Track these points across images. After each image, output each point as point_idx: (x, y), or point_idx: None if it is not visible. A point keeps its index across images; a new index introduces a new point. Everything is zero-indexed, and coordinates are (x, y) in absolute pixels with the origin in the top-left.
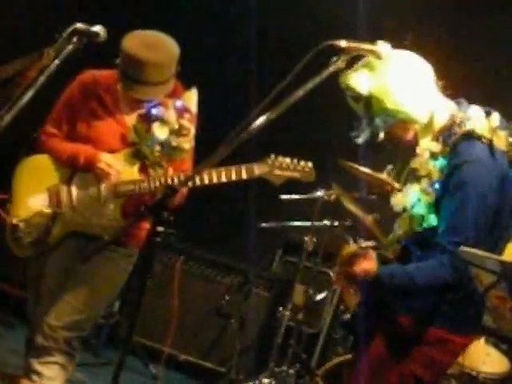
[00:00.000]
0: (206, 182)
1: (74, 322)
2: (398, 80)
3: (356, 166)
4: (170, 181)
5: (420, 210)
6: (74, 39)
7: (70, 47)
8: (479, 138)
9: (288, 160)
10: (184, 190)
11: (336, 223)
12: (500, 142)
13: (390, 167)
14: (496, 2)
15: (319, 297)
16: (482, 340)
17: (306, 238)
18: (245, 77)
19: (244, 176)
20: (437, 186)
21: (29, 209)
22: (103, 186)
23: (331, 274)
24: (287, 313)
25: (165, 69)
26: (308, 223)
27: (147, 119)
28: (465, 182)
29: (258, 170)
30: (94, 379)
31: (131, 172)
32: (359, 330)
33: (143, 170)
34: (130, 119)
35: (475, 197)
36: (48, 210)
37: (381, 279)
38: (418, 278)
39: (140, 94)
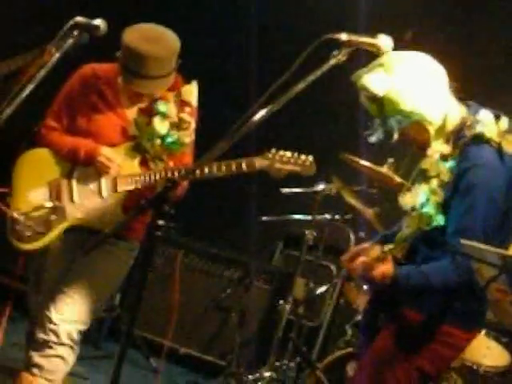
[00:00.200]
0: (207, 174)
1: (74, 315)
2: (414, 82)
3: (357, 159)
4: (170, 174)
5: (429, 209)
6: (75, 33)
7: (71, 41)
8: (488, 141)
9: (289, 154)
10: (184, 184)
11: (337, 216)
12: (509, 145)
13: (390, 161)
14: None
15: (320, 290)
16: (483, 333)
17: (307, 232)
18: (245, 70)
19: (244, 169)
20: (446, 187)
21: (29, 202)
22: (103, 180)
23: (332, 267)
24: (288, 306)
25: (165, 62)
26: (309, 217)
27: (148, 113)
28: (474, 184)
29: (259, 163)
30: (94, 372)
31: (132, 166)
32: (366, 325)
33: (144, 163)
34: (131, 113)
35: (484, 199)
36: (48, 204)
37: (398, 281)
38: (433, 278)
39: (140, 88)
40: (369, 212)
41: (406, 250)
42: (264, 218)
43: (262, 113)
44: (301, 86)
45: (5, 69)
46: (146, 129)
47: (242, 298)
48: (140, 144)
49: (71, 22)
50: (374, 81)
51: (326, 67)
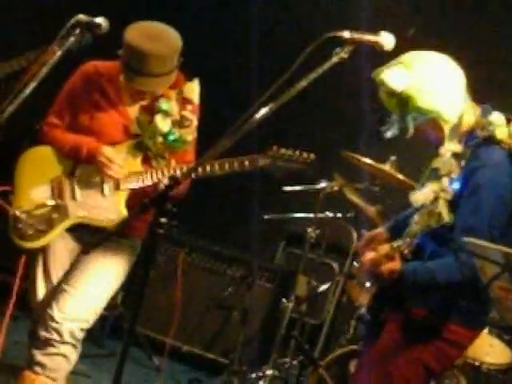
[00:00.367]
0: (209, 172)
1: (76, 313)
2: (433, 80)
3: (359, 157)
4: (172, 172)
5: (438, 207)
6: (77, 31)
7: (73, 39)
8: (499, 142)
9: (290, 151)
10: (187, 182)
11: (339, 214)
12: None
13: (392, 158)
14: None
15: (322, 288)
16: (486, 331)
17: (309, 230)
18: (247, 68)
19: (247, 167)
20: (456, 185)
21: (31, 200)
22: (106, 179)
23: (334, 265)
24: (290, 304)
25: (167, 60)
26: (311, 215)
27: (149, 111)
28: (482, 184)
29: (261, 161)
30: (97, 371)
31: (134, 164)
32: (370, 319)
33: (146, 161)
34: (133, 111)
35: (491, 199)
36: (50, 202)
37: (404, 277)
38: (438, 275)
39: (142, 86)
40: (371, 210)
41: (413, 246)
42: (266, 217)
43: (264, 110)
44: (303, 83)
45: (8, 68)
46: (148, 127)
47: (245, 296)
48: (142, 142)
49: (73, 21)
50: (393, 76)
51: (328, 65)
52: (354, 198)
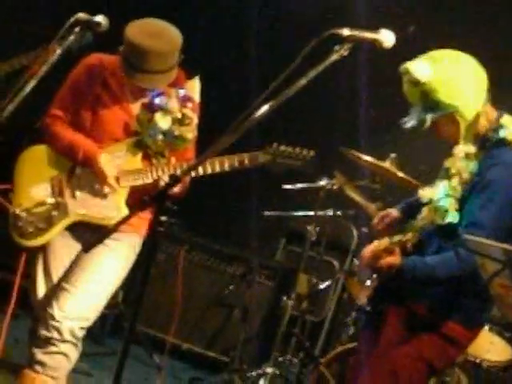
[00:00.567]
0: (209, 170)
1: (76, 312)
2: (457, 76)
3: (359, 154)
4: (172, 170)
5: (445, 203)
6: (76, 30)
7: (72, 38)
8: (510, 144)
9: (290, 148)
10: (187, 180)
11: (339, 212)
12: None
13: (393, 156)
14: None
15: (323, 286)
16: (486, 328)
17: (309, 227)
18: (247, 66)
19: (247, 164)
20: (465, 185)
21: (31, 198)
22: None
23: (334, 262)
24: (291, 302)
25: (168, 57)
26: (311, 212)
27: (150, 108)
28: (492, 181)
29: (261, 158)
30: (98, 369)
31: (134, 161)
32: (371, 311)
33: (146, 159)
34: (135, 108)
35: (500, 197)
36: (50, 200)
37: (403, 272)
38: (438, 270)
39: (142, 83)
40: (371, 207)
41: (416, 240)
42: (267, 214)
43: (264, 108)
44: (303, 81)
45: (9, 67)
46: (148, 125)
47: (245, 294)
48: (142, 140)
49: (72, 19)
50: (419, 66)
51: (328, 62)
52: (355, 196)
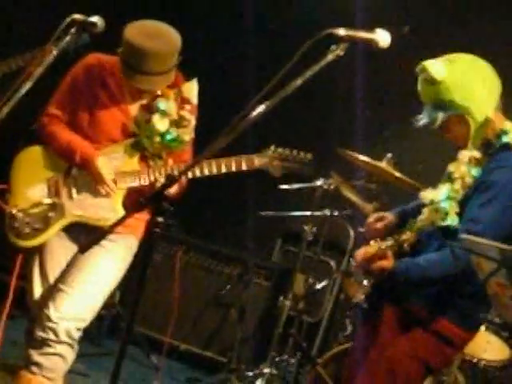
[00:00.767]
0: (206, 172)
1: (73, 312)
2: (472, 79)
3: (355, 154)
4: (169, 171)
5: (446, 205)
6: (72, 30)
7: (68, 38)
8: None
9: (288, 151)
10: (184, 182)
11: (336, 212)
12: None
13: (389, 155)
14: None
15: (319, 286)
16: (483, 327)
17: (306, 228)
18: (245, 67)
19: (244, 167)
20: (468, 189)
21: (28, 199)
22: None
23: (331, 262)
24: (287, 302)
25: (166, 59)
26: (308, 212)
27: (148, 110)
28: (496, 182)
29: (258, 160)
30: (95, 370)
31: (131, 163)
32: (368, 308)
33: (143, 160)
34: (133, 109)
35: (503, 198)
36: (47, 201)
37: (396, 274)
38: (431, 269)
39: (141, 84)
40: (368, 207)
41: (414, 240)
42: (263, 214)
43: (260, 109)
44: (299, 81)
45: (5, 68)
46: (146, 126)
47: (242, 295)
48: (139, 141)
49: (68, 20)
50: (435, 65)
51: (323, 62)
52: (351, 196)
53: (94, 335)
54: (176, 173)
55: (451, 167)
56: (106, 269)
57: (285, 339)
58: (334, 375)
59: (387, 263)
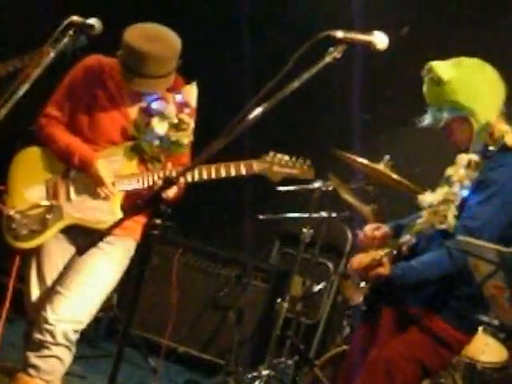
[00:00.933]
0: (205, 177)
1: (70, 314)
2: (477, 82)
3: (353, 156)
4: (168, 175)
5: (445, 208)
6: (70, 32)
7: (66, 40)
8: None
9: (287, 157)
10: (182, 185)
11: (334, 214)
12: None
13: (387, 158)
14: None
15: (317, 288)
16: (481, 329)
17: (304, 230)
18: (242, 71)
19: (243, 172)
20: (465, 192)
21: (25, 201)
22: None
23: (329, 264)
24: (285, 304)
25: (166, 62)
26: (305, 214)
27: (147, 113)
28: (495, 181)
29: (257, 166)
30: (92, 372)
31: (130, 166)
32: (366, 310)
33: (142, 163)
34: (133, 112)
35: (500, 195)
36: (45, 203)
37: (393, 280)
38: (427, 272)
39: (140, 87)
40: (366, 209)
41: (412, 243)
42: (261, 217)
43: (257, 111)
44: (296, 83)
45: (3, 70)
46: (145, 130)
47: (240, 297)
48: (138, 144)
49: (66, 22)
50: (442, 66)
51: (321, 65)
52: (349, 198)
53: (92, 337)
54: (174, 176)
55: (450, 170)
56: (103, 271)
57: (282, 341)
58: (332, 377)
59: (383, 270)
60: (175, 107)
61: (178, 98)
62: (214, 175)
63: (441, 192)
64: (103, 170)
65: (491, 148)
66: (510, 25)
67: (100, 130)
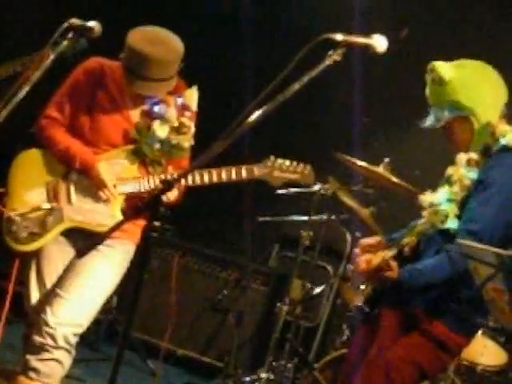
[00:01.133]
0: (206, 181)
1: (70, 318)
2: (479, 83)
3: (352, 159)
4: (169, 178)
5: (446, 208)
6: (70, 35)
7: (65, 43)
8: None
9: (287, 162)
10: (183, 188)
11: (333, 217)
12: None
13: (386, 160)
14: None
15: (317, 291)
16: (480, 332)
17: (303, 232)
18: (242, 74)
19: (244, 177)
20: (466, 192)
21: (26, 203)
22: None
23: (328, 267)
24: (285, 307)
25: (169, 66)
26: (305, 217)
27: (149, 116)
28: (494, 181)
29: (258, 171)
30: (92, 375)
31: (131, 169)
32: (368, 314)
33: (143, 167)
34: (135, 115)
35: (500, 197)
36: (46, 205)
37: (400, 283)
38: (432, 276)
39: (142, 90)
40: (365, 212)
41: (415, 243)
42: (260, 219)
43: (257, 114)
44: (296, 86)
45: (3, 73)
46: (146, 133)
47: (239, 300)
48: (140, 147)
49: (66, 24)
50: (444, 66)
51: (321, 67)
52: (348, 201)
53: (92, 340)
54: (175, 176)
55: (450, 170)
56: (103, 273)
57: (282, 344)
58: (331, 380)
59: (392, 274)
60: (176, 110)
61: (179, 101)
62: (215, 179)
63: (441, 191)
64: (105, 173)
65: (493, 145)
66: (511, 26)
67: (101, 133)
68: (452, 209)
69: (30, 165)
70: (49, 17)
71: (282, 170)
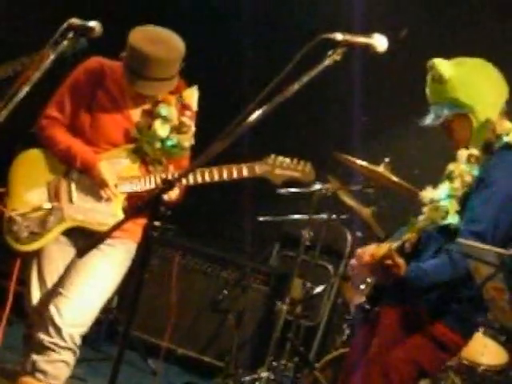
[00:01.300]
0: (207, 179)
1: (75, 318)
2: (479, 81)
3: (353, 159)
4: (169, 177)
5: (447, 203)
6: (70, 35)
7: (66, 43)
8: None
9: (288, 160)
10: (183, 188)
11: (333, 217)
12: None
13: (387, 160)
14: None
15: (317, 290)
16: (481, 332)
17: (304, 232)
18: (242, 74)
19: (245, 175)
20: (467, 188)
21: (27, 203)
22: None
23: (329, 267)
24: (285, 306)
25: (170, 65)
26: (305, 217)
27: (149, 115)
28: (495, 180)
29: (259, 169)
30: (92, 374)
31: (132, 168)
32: (369, 312)
33: (144, 166)
34: (135, 114)
35: (501, 196)
36: (47, 205)
37: (407, 281)
38: (435, 276)
39: (143, 89)
40: (365, 211)
41: (416, 240)
42: (261, 219)
43: (256, 114)
44: (296, 86)
45: (2, 73)
46: (147, 132)
47: (239, 299)
48: (140, 147)
49: (66, 24)
50: (444, 64)
51: (321, 67)
52: (349, 200)
53: (92, 340)
54: (176, 176)
55: (450, 166)
56: (104, 272)
57: (282, 344)
58: (332, 380)
59: (399, 270)
60: (177, 110)
61: (180, 100)
62: (216, 177)
63: (442, 187)
64: (106, 172)
65: (494, 143)
66: (510, 26)
67: (101, 132)
68: (452, 205)
69: (30, 165)
70: (49, 17)
71: (282, 167)
